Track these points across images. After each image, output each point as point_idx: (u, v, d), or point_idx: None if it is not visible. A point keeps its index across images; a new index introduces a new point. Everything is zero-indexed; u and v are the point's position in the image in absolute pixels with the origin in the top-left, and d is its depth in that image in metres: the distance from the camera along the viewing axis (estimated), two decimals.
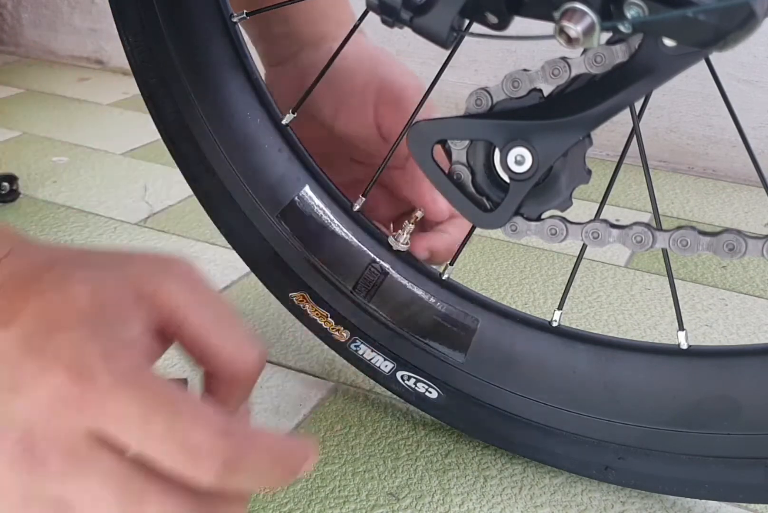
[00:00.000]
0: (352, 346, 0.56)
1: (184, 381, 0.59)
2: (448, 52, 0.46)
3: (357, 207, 0.55)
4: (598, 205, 0.50)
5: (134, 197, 0.94)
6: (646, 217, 0.95)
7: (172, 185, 0.98)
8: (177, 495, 0.32)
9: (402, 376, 0.55)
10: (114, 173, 1.01)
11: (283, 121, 0.55)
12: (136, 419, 0.30)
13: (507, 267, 0.82)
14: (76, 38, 1.48)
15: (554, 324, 0.51)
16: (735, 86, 1.04)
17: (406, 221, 0.53)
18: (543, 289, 0.78)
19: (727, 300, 0.77)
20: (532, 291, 0.77)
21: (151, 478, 0.31)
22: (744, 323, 0.73)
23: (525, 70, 0.42)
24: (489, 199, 0.46)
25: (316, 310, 0.56)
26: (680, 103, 1.09)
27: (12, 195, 0.90)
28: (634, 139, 0.47)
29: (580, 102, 0.41)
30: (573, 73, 0.41)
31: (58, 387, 0.30)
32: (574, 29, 0.33)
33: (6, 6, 1.52)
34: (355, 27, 0.52)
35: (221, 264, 0.79)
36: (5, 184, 0.89)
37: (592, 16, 0.33)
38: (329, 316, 0.56)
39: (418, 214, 0.53)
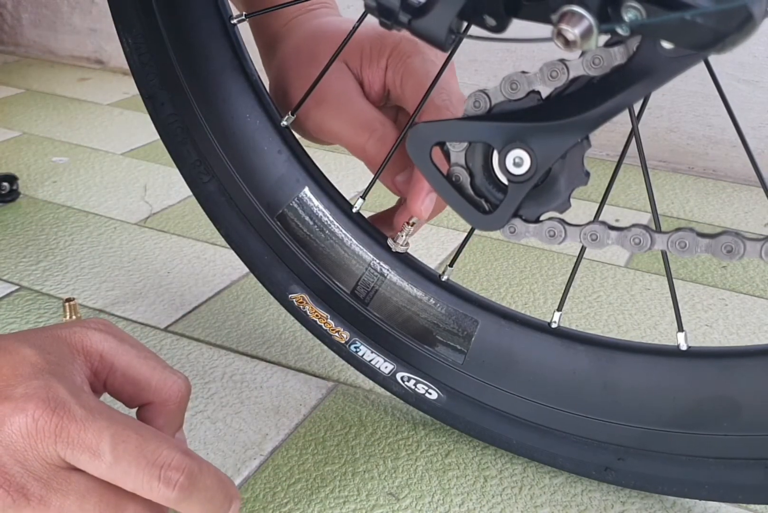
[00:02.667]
0: (352, 347, 0.56)
1: None
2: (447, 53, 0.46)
3: (356, 208, 0.55)
4: (597, 205, 0.50)
5: (134, 197, 0.94)
6: (646, 217, 0.95)
7: (172, 185, 0.98)
8: (151, 504, 0.37)
9: (402, 378, 0.55)
10: (114, 173, 1.01)
11: (282, 123, 0.55)
12: (109, 444, 0.35)
13: (507, 267, 0.82)
14: (76, 38, 1.48)
15: (553, 325, 0.52)
16: (735, 86, 1.04)
17: (405, 223, 0.53)
18: (543, 289, 0.78)
19: (727, 300, 0.77)
20: (532, 291, 0.77)
21: (124, 492, 0.36)
22: (744, 323, 0.73)
23: (523, 72, 0.42)
24: (488, 201, 0.46)
25: (315, 312, 0.56)
26: (680, 103, 1.09)
27: (12, 195, 0.90)
28: (634, 138, 0.47)
29: (578, 104, 0.41)
30: (571, 75, 0.41)
31: (37, 419, 0.34)
32: (572, 32, 0.33)
33: (6, 6, 1.52)
34: (354, 28, 0.52)
35: (221, 264, 0.79)
36: (5, 184, 0.90)
37: (589, 18, 0.33)
38: (329, 317, 0.56)
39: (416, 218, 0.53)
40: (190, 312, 0.71)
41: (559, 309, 0.51)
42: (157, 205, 0.92)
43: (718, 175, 1.09)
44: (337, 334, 0.56)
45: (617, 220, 0.93)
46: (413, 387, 0.55)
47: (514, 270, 0.81)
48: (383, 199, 0.94)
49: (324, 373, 0.63)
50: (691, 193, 1.03)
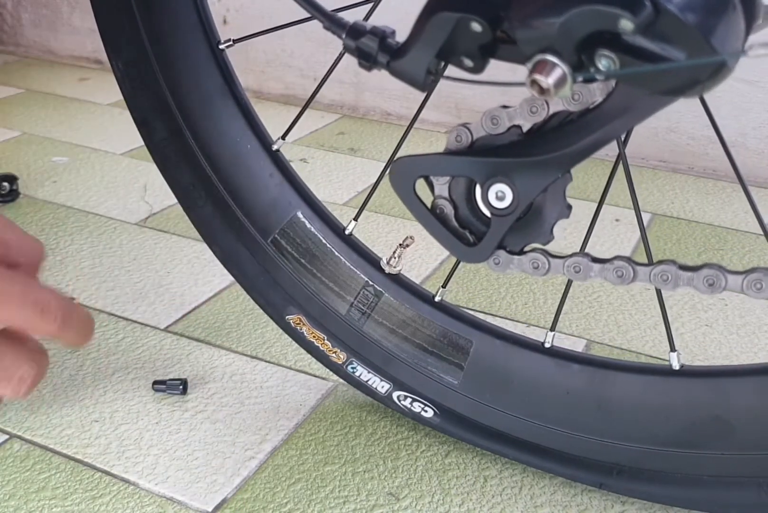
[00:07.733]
0: (349, 367, 0.56)
1: (184, 381, 0.60)
2: None
3: (349, 230, 0.55)
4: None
5: (134, 197, 0.94)
6: (646, 217, 0.95)
7: None
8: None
9: (398, 397, 0.56)
10: (114, 173, 1.01)
11: (274, 147, 0.55)
12: None
13: None
14: (76, 38, 1.48)
15: (547, 345, 0.52)
16: (735, 86, 1.04)
17: (398, 246, 0.53)
18: (543, 289, 0.78)
19: (727, 300, 0.77)
20: (532, 291, 0.77)
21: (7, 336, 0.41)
22: (744, 323, 0.73)
23: (504, 106, 0.42)
24: (472, 233, 0.46)
25: (312, 333, 0.57)
26: (680, 102, 1.09)
27: (12, 195, 0.90)
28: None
29: (559, 139, 0.41)
30: (551, 111, 0.41)
31: None
32: (546, 82, 0.33)
33: (6, 6, 1.52)
34: (331, 69, 0.52)
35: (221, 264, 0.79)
36: (5, 184, 0.90)
37: (563, 67, 0.33)
38: (326, 338, 0.56)
39: (410, 241, 0.53)
40: (190, 312, 0.71)
41: (553, 329, 0.51)
42: (157, 205, 0.92)
43: (718, 175, 1.09)
44: (334, 355, 0.57)
45: (617, 220, 0.93)
46: (409, 406, 0.55)
47: None
48: (384, 198, 0.94)
49: (324, 373, 0.63)
50: (691, 193, 1.03)
